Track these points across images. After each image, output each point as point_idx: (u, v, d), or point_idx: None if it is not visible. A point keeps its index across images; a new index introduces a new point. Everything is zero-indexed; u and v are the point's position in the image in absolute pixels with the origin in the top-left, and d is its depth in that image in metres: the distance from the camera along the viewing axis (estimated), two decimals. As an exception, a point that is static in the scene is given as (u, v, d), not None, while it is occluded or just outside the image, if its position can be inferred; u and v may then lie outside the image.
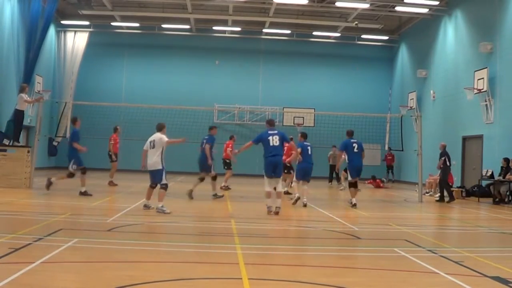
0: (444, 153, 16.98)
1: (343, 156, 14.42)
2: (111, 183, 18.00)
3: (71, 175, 14.40)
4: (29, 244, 6.90)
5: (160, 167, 11.17)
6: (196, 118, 24.41)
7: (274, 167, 11.48)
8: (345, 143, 13.93)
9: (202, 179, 14.47)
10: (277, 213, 11.29)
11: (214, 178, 14.65)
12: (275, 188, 11.62)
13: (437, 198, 17.22)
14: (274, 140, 11.47)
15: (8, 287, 4.91)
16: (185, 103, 25.91)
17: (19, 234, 7.58)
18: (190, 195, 14.18)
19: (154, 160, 11.18)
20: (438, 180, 17.98)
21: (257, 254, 7.28)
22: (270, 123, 12.03)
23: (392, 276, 6.23)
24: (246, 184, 21.78)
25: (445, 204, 16.40)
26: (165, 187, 11.25)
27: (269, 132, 11.66)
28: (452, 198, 16.65)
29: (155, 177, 11.32)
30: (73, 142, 14.27)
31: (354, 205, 13.49)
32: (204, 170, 14.50)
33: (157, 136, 11.34)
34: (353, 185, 13.72)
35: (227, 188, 18.45)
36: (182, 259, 6.62)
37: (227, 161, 18.90)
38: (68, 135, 21.03)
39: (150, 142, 11.30)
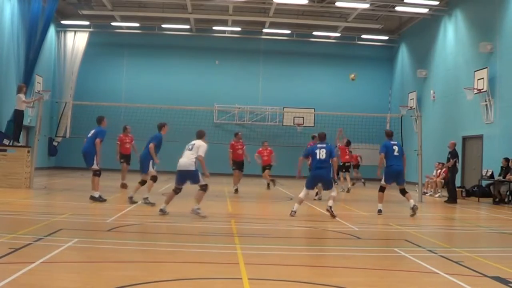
0: (455, 153, 16.90)
1: (383, 159, 12.73)
2: (123, 186, 17.06)
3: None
4: (29, 244, 6.90)
5: (193, 168, 10.71)
6: (196, 118, 24.40)
7: (318, 180, 11.74)
8: (386, 145, 12.59)
9: (143, 183, 12.64)
10: (333, 216, 11.18)
11: (154, 180, 12.51)
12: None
13: (446, 199, 17.15)
14: (321, 154, 11.45)
15: (8, 287, 4.91)
16: (185, 103, 25.92)
17: (19, 234, 7.58)
18: (131, 200, 12.55)
19: (188, 161, 10.74)
20: (442, 180, 18.04)
21: (257, 254, 7.28)
22: (321, 137, 12.03)
23: (392, 276, 6.23)
24: (246, 184, 21.77)
25: (444, 204, 16.39)
26: (205, 188, 10.78)
27: (318, 145, 11.71)
28: (454, 200, 16.64)
29: (191, 178, 10.75)
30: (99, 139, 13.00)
31: (379, 212, 12.45)
32: (143, 171, 12.61)
33: (198, 142, 11.00)
34: (382, 189, 12.64)
35: (236, 191, 17.24)
36: (182, 259, 6.61)
37: (238, 161, 17.56)
38: (68, 135, 21.08)
39: (189, 145, 11.02)
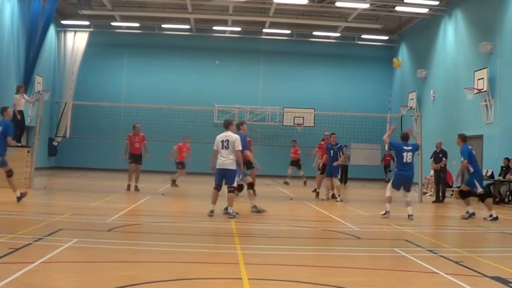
0: (446, 152, 16.94)
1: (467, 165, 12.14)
2: (129, 187, 16.44)
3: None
4: (29, 244, 6.90)
5: (235, 167, 10.53)
6: (196, 118, 24.44)
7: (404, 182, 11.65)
8: (469, 151, 12.11)
9: None
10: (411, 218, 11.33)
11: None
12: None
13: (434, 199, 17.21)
14: (408, 157, 11.53)
15: (8, 287, 4.90)
16: (185, 103, 25.92)
17: (19, 234, 7.58)
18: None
19: (230, 160, 10.51)
20: (434, 180, 17.78)
21: (257, 254, 7.27)
22: (405, 138, 11.99)
23: (392, 276, 6.23)
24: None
25: (445, 204, 16.40)
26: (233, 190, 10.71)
27: (405, 148, 11.66)
28: (442, 199, 16.68)
29: (229, 178, 10.57)
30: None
31: (472, 215, 12.25)
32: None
33: (232, 137, 10.56)
34: (483, 196, 12.40)
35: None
36: (182, 259, 6.61)
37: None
38: (68, 135, 21.09)
39: (223, 142, 10.53)
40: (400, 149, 11.67)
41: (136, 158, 16.37)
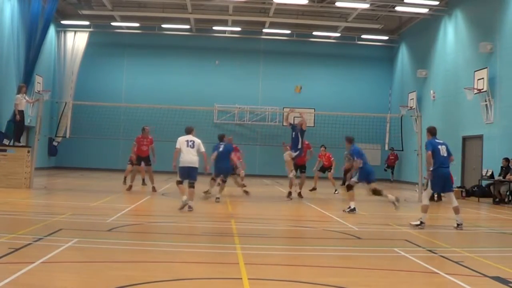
0: None
1: None
2: (153, 188, 16.36)
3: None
4: (29, 244, 6.90)
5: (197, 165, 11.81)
6: (196, 118, 24.39)
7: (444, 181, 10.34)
8: (358, 150, 12.46)
9: None
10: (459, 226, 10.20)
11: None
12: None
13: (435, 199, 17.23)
14: (443, 151, 10.28)
15: (8, 287, 4.91)
16: (185, 103, 25.90)
17: (19, 234, 7.58)
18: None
19: (195, 159, 11.75)
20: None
21: (257, 254, 7.27)
22: (432, 132, 10.68)
23: (392, 276, 6.23)
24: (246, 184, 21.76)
25: (444, 204, 16.39)
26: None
27: (437, 141, 10.48)
28: (437, 198, 16.75)
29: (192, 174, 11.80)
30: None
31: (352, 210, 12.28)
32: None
33: (196, 139, 11.91)
34: None
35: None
36: (182, 259, 6.61)
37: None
38: (68, 135, 21.04)
39: (188, 141, 11.72)
40: (434, 145, 10.37)
41: (144, 159, 16.47)
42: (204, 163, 12.06)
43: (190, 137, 11.87)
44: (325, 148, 19.69)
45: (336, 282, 5.63)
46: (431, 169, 10.21)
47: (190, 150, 11.62)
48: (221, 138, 14.45)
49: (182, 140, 11.72)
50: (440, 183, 10.32)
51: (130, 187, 16.27)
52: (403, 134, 22.78)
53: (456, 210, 10.24)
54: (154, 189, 16.05)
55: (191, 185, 11.69)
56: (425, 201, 10.46)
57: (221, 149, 13.99)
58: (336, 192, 18.54)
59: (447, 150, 10.47)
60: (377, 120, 26.40)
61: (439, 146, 10.37)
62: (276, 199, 16.17)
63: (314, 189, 18.97)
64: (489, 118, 19.62)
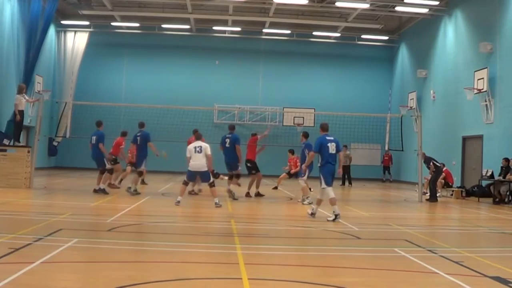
0: (429, 159, 17.29)
1: None
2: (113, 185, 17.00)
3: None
4: (29, 244, 6.90)
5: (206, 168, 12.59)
6: (196, 118, 24.35)
7: (333, 175, 11.01)
8: (311, 144, 12.50)
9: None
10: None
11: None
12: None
13: (428, 197, 17.34)
14: (332, 148, 10.87)
15: (8, 287, 4.91)
16: (185, 103, 25.90)
17: (19, 234, 7.58)
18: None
19: (203, 163, 12.47)
20: (441, 181, 18.29)
21: (257, 254, 7.28)
22: (324, 128, 11.30)
23: (392, 276, 6.23)
24: (245, 184, 21.77)
25: (444, 204, 16.41)
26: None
27: (327, 138, 11.01)
28: (435, 199, 16.89)
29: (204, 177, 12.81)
30: (100, 143, 15.74)
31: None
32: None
33: (203, 144, 12.60)
34: None
35: (259, 194, 16.12)
36: (181, 259, 6.62)
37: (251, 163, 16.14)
38: (68, 135, 21.06)
39: (196, 148, 12.45)
40: (323, 142, 10.96)
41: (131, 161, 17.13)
42: (209, 166, 12.63)
43: (198, 143, 12.62)
44: (293, 152, 18.23)
45: (336, 282, 5.63)
46: (319, 165, 10.97)
47: (198, 156, 12.39)
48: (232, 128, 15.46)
49: (191, 148, 12.56)
50: (330, 177, 10.96)
51: (113, 185, 16.72)
52: (403, 134, 22.78)
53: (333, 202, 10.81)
54: (114, 186, 16.75)
55: (211, 185, 12.62)
56: (331, 194, 10.81)
57: (227, 144, 14.66)
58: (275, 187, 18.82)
59: (337, 147, 11.06)
60: (377, 120, 26.38)
61: (329, 144, 10.96)
62: (276, 199, 16.16)
63: (275, 188, 19.01)
64: (489, 118, 19.62)
